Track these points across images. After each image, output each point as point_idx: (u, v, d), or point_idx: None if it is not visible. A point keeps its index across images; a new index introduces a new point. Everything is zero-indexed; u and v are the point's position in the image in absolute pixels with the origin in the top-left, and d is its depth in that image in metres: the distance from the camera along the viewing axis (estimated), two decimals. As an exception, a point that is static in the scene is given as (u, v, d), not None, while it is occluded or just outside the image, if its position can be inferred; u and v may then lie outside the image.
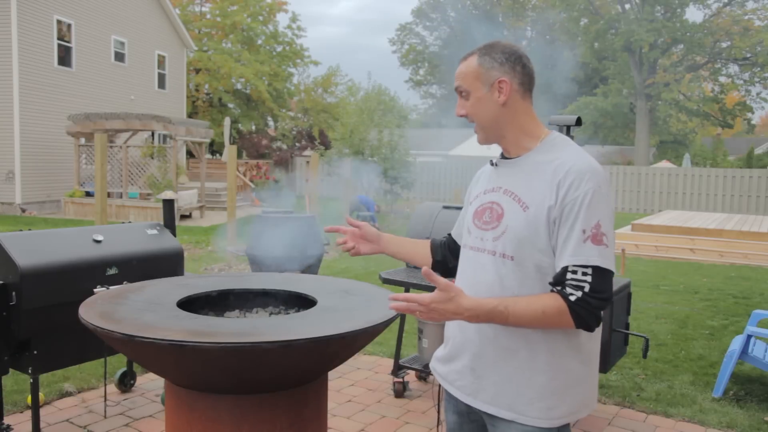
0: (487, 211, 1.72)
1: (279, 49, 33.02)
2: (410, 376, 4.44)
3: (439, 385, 1.95)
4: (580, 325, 1.55)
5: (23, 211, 16.24)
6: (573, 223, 1.54)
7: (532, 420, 1.61)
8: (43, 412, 3.64)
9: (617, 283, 3.75)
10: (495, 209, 1.69)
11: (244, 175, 20.14)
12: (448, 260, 2.03)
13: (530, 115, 1.71)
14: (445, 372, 1.81)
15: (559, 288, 1.55)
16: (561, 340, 1.61)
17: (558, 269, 1.56)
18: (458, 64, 1.74)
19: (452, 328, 1.81)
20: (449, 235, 2.09)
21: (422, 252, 2.07)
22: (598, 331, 1.70)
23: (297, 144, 31.99)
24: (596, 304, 1.53)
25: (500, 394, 1.64)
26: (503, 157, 1.77)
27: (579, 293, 1.52)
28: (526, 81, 1.70)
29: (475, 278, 1.70)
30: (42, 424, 3.42)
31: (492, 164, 1.81)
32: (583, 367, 1.65)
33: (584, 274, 1.53)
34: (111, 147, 16.35)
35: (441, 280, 1.54)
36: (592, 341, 1.68)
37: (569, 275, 1.54)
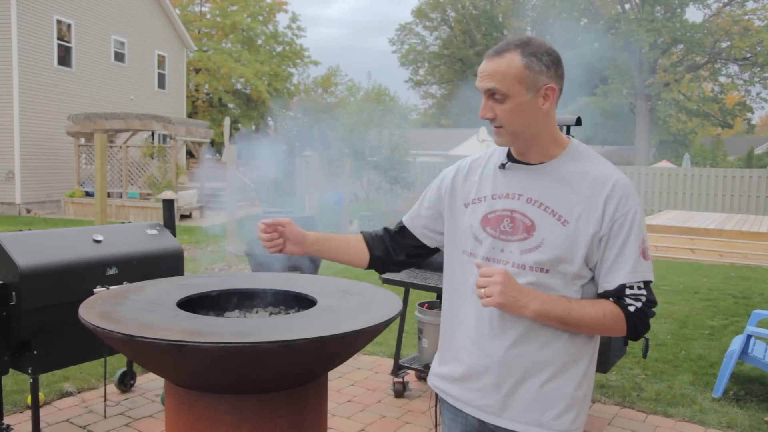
0: (506, 219, 1.60)
1: (279, 49, 33.04)
2: (410, 376, 4.44)
3: (436, 402, 1.85)
4: (631, 333, 1.57)
5: (28, 211, 16.24)
6: (626, 239, 1.52)
7: None
8: (43, 412, 3.64)
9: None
10: (520, 219, 1.58)
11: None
12: (391, 254, 1.89)
13: (555, 122, 1.62)
14: (457, 392, 1.70)
15: (616, 299, 1.56)
16: (581, 348, 1.60)
17: (613, 284, 1.54)
18: (488, 60, 1.55)
19: (466, 345, 1.68)
20: (398, 225, 1.91)
21: (354, 249, 1.91)
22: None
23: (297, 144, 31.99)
24: (651, 313, 1.57)
25: (528, 409, 1.59)
26: (515, 160, 1.65)
27: (639, 304, 1.54)
28: (563, 86, 1.58)
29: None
30: (42, 424, 3.42)
31: (502, 166, 1.66)
32: (592, 374, 1.67)
33: (639, 288, 1.54)
34: (111, 147, 16.35)
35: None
36: (597, 345, 1.68)
37: (628, 291, 1.54)
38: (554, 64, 1.54)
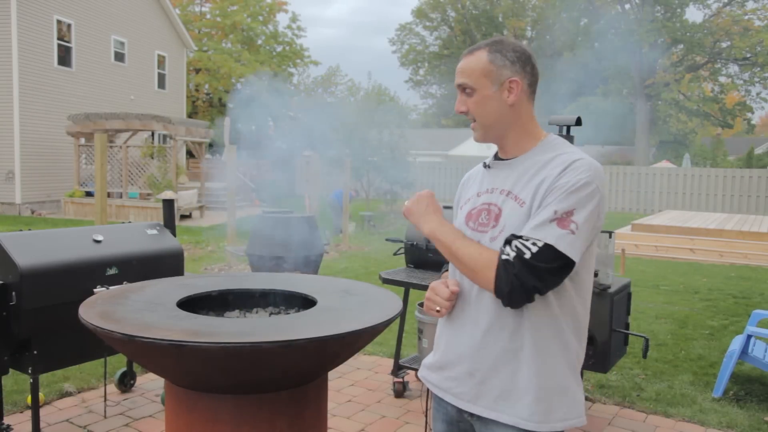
0: (483, 212, 1.67)
1: (279, 49, 33.05)
2: (410, 376, 4.44)
3: (427, 394, 1.92)
4: (496, 286, 1.51)
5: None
6: (549, 203, 1.52)
7: (532, 425, 1.59)
8: (43, 412, 3.64)
9: (617, 283, 3.74)
10: (492, 210, 1.65)
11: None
12: None
13: (532, 117, 1.70)
14: (437, 380, 1.76)
15: (502, 248, 1.53)
16: (555, 339, 1.59)
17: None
18: (462, 59, 1.68)
19: (444, 334, 1.75)
20: None
21: None
22: (583, 334, 1.67)
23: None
24: (520, 271, 1.47)
25: (502, 398, 1.61)
26: (497, 158, 1.74)
27: (512, 255, 1.49)
28: (534, 82, 1.68)
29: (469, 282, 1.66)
30: (42, 424, 3.42)
31: (485, 166, 1.77)
32: (572, 372, 1.63)
33: (533, 244, 1.48)
34: (111, 147, 16.35)
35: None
36: (580, 342, 1.65)
37: (517, 241, 1.50)
38: (520, 60, 1.64)
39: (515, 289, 1.49)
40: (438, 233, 1.66)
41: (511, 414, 1.60)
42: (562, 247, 1.47)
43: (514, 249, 1.49)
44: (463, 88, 1.66)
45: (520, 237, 1.51)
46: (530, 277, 1.47)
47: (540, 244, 1.47)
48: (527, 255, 1.47)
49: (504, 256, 1.50)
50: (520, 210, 1.58)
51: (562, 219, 1.49)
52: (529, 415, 1.59)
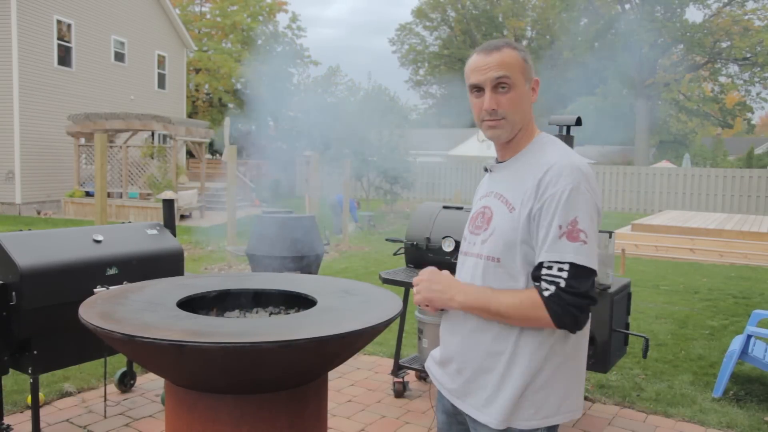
0: (480, 216, 1.72)
1: (279, 49, 33.05)
2: (410, 376, 4.44)
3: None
4: (557, 322, 1.52)
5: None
6: (551, 220, 1.52)
7: (500, 424, 1.60)
8: (43, 412, 3.64)
9: (617, 283, 3.75)
10: (486, 213, 1.69)
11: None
12: None
13: (532, 117, 1.73)
14: (437, 374, 1.83)
15: (536, 284, 1.55)
16: (539, 343, 1.59)
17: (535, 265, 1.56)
18: (490, 54, 1.62)
19: (445, 332, 1.80)
20: None
21: None
22: (583, 335, 1.67)
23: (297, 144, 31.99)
24: (571, 300, 1.50)
25: (484, 398, 1.64)
26: (497, 161, 1.78)
27: (553, 288, 1.51)
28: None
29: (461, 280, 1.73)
30: (42, 424, 3.42)
31: (487, 170, 1.80)
32: (564, 372, 1.63)
33: (560, 270, 1.50)
34: (111, 147, 16.35)
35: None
36: (572, 345, 1.64)
37: (544, 270, 1.52)
38: (532, 61, 1.69)
39: (576, 316, 1.52)
40: (469, 303, 1.63)
41: (489, 415, 1.62)
42: (583, 261, 1.50)
43: (549, 282, 1.51)
44: (499, 83, 1.61)
45: (543, 266, 1.52)
46: (576, 299, 1.50)
47: (566, 267, 1.50)
48: (562, 284, 1.50)
49: (546, 293, 1.51)
50: (510, 216, 1.60)
51: (570, 231, 1.51)
52: (507, 419, 1.60)
